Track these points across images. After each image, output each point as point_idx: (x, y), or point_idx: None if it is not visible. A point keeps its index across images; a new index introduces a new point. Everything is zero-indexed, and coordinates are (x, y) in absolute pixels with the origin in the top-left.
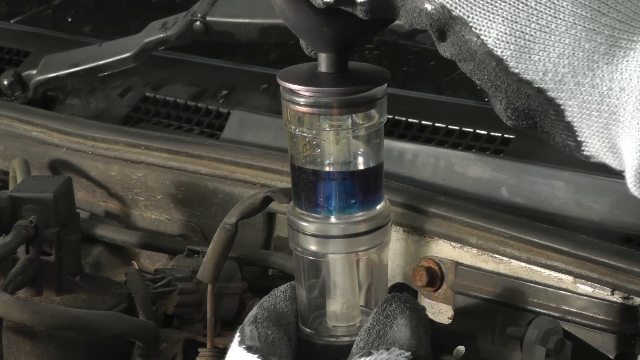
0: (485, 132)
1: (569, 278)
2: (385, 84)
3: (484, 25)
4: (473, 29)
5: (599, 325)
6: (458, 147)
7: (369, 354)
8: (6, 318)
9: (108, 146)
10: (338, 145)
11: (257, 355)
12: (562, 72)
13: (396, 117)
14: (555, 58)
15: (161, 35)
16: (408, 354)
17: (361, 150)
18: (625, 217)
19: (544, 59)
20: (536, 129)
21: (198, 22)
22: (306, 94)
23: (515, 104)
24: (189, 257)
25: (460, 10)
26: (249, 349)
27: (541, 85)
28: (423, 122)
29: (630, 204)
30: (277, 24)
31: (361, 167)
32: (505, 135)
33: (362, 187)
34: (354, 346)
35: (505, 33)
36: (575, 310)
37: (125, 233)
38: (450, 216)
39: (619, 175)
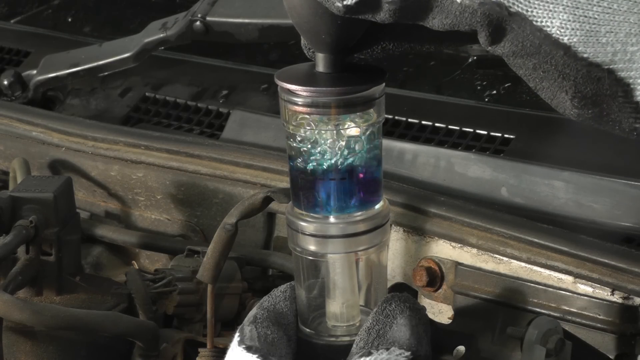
0: (485, 132)
1: (569, 278)
2: (383, 83)
3: (545, 17)
4: (534, 22)
5: (599, 325)
6: (458, 147)
7: (369, 353)
8: (6, 318)
9: (108, 146)
10: (336, 145)
11: (256, 355)
12: (631, 51)
13: (396, 117)
14: (623, 37)
15: (161, 35)
16: (408, 353)
17: (359, 149)
18: (625, 217)
19: (612, 40)
20: (602, 117)
21: (198, 22)
22: (304, 94)
23: (584, 90)
24: (189, 257)
25: (518, 6)
26: (249, 348)
27: (611, 66)
28: (423, 122)
29: (630, 204)
30: (277, 24)
31: (360, 166)
32: (505, 135)
33: (361, 186)
34: (354, 346)
35: (569, 20)
36: (575, 310)
37: (125, 233)
38: (450, 216)
39: (618, 175)
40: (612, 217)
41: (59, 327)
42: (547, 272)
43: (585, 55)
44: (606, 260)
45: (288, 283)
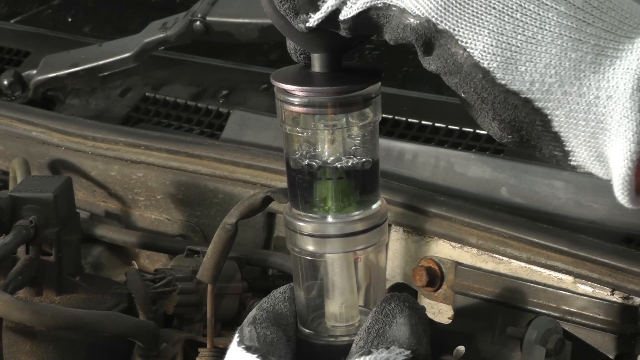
0: (485, 132)
1: (569, 278)
2: (379, 83)
3: (470, 38)
4: (459, 42)
5: (599, 325)
6: (458, 147)
7: (369, 353)
8: (6, 318)
9: (108, 146)
10: (333, 145)
11: (256, 355)
12: (549, 82)
13: (396, 117)
14: (542, 68)
15: (161, 35)
16: (408, 352)
17: (356, 149)
18: (625, 217)
19: (530, 70)
20: (522, 142)
21: (198, 22)
22: (300, 94)
23: (502, 115)
24: (189, 257)
25: (446, 24)
26: (248, 349)
27: (528, 96)
28: (423, 122)
29: None
30: None
31: (357, 166)
32: None
33: (358, 186)
34: (354, 345)
35: (492, 45)
36: (575, 310)
37: (125, 233)
38: (450, 216)
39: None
40: (612, 217)
41: (59, 327)
42: (547, 272)
43: (502, 82)
44: (606, 260)
45: (287, 284)
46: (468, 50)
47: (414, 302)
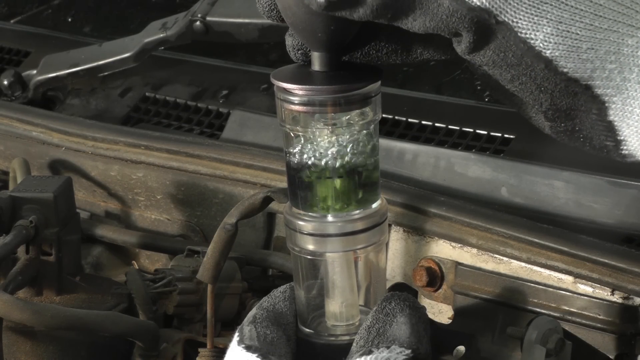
0: (485, 132)
1: (569, 278)
2: (380, 82)
3: (530, 29)
4: (519, 34)
5: (599, 325)
6: (458, 147)
7: (369, 352)
8: (6, 318)
9: (108, 146)
10: (333, 144)
11: (256, 355)
12: (609, 68)
13: (396, 117)
14: (602, 54)
15: (161, 35)
16: (408, 352)
17: (356, 148)
18: (625, 217)
19: (592, 57)
20: (574, 132)
21: (198, 22)
22: (300, 92)
23: (559, 104)
24: (189, 257)
25: (506, 16)
26: (248, 348)
27: (589, 82)
28: (423, 122)
29: (630, 204)
30: (277, 24)
31: (357, 165)
32: (505, 135)
33: (359, 184)
34: (354, 344)
35: (553, 34)
36: (575, 310)
37: (125, 233)
38: (450, 216)
39: (618, 175)
40: (612, 217)
41: (59, 327)
42: (547, 272)
43: (565, 70)
44: (606, 260)
45: (288, 284)
46: (529, 41)
47: (414, 301)
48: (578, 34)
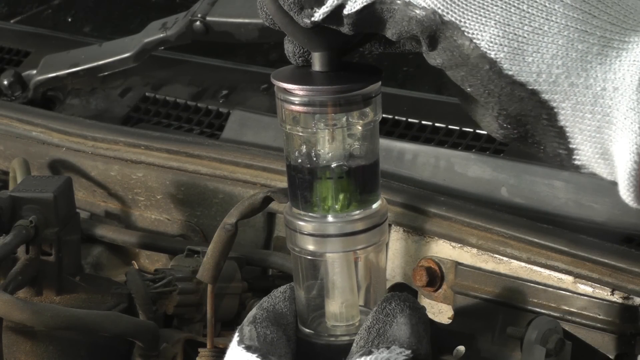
0: (485, 132)
1: (569, 278)
2: (380, 82)
3: (476, 29)
4: (465, 33)
5: (599, 325)
6: (458, 147)
7: (370, 352)
8: (6, 318)
9: (108, 146)
10: (333, 144)
11: (256, 355)
12: (555, 73)
13: (396, 117)
14: (549, 59)
15: (161, 35)
16: (408, 352)
17: (357, 148)
18: (625, 217)
19: (537, 60)
20: (527, 138)
21: (198, 22)
22: (300, 93)
23: (508, 109)
24: (189, 257)
25: (452, 15)
26: (248, 348)
27: (535, 87)
28: (423, 122)
29: None
30: None
31: (357, 165)
32: None
33: (359, 185)
34: (354, 345)
35: (499, 35)
36: (575, 310)
37: (125, 233)
38: (450, 216)
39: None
40: (612, 217)
41: (59, 327)
42: (547, 272)
43: (509, 73)
44: (606, 260)
45: (288, 284)
46: (475, 41)
47: (414, 301)
48: (525, 37)
